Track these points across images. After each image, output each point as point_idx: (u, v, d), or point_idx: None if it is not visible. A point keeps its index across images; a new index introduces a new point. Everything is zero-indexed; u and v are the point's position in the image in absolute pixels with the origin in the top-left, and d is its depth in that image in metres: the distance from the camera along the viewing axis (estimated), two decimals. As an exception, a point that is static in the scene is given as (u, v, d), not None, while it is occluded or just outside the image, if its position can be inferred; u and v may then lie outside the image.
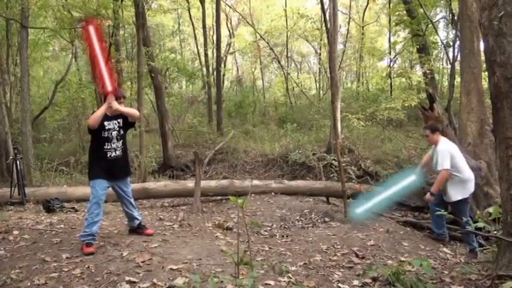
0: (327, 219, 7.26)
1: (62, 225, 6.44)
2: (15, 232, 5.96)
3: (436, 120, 7.22)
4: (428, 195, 6.34)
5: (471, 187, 6.34)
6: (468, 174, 6.33)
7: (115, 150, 5.34)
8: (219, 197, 9.35)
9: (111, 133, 5.31)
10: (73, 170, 12.80)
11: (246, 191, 9.10)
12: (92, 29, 5.30)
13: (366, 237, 6.02)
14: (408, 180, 6.49)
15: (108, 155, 5.30)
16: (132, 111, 5.69)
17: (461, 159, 6.38)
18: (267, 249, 5.46)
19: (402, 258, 5.03)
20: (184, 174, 14.48)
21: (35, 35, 17.65)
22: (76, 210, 7.98)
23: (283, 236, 6.31)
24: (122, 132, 5.43)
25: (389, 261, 4.96)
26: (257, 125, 20.39)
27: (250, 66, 30.58)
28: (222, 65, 23.53)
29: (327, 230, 6.40)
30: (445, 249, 5.66)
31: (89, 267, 4.42)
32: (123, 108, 5.40)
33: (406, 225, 7.55)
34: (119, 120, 5.38)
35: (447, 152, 6.21)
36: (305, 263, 4.82)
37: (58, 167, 12.70)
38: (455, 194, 6.23)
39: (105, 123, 5.28)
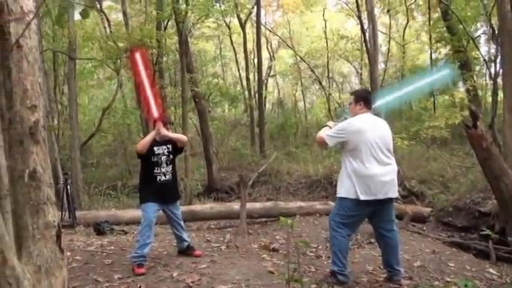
0: (372, 240, 7.23)
1: (113, 247, 6.67)
2: (67, 253, 6.14)
3: (480, 138, 7.05)
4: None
5: (369, 191, 4.48)
6: (372, 171, 4.49)
7: (164, 174, 5.54)
8: (263, 219, 9.43)
9: (161, 158, 5.52)
10: (120, 193, 13.10)
11: (290, 213, 9.15)
12: (138, 57, 5.54)
13: (412, 258, 5.98)
14: None
15: (158, 179, 5.50)
16: (181, 136, 5.91)
17: (374, 149, 4.53)
18: (314, 270, 5.50)
19: (448, 279, 5.00)
20: (229, 196, 14.59)
21: (80, 64, 18.29)
22: (126, 233, 8.19)
23: (329, 257, 6.32)
24: (171, 157, 5.64)
25: (436, 282, 4.93)
26: (300, 147, 20.39)
27: (291, 88, 30.64)
28: (264, 88, 23.75)
29: (372, 250, 6.39)
30: (491, 270, 5.58)
31: (140, 287, 4.58)
32: (172, 134, 5.63)
33: (452, 245, 7.44)
34: (168, 145, 5.59)
35: (346, 128, 4.64)
36: (352, 285, 4.85)
37: (106, 191, 13.05)
38: (340, 187, 4.73)
39: (155, 148, 5.51)
